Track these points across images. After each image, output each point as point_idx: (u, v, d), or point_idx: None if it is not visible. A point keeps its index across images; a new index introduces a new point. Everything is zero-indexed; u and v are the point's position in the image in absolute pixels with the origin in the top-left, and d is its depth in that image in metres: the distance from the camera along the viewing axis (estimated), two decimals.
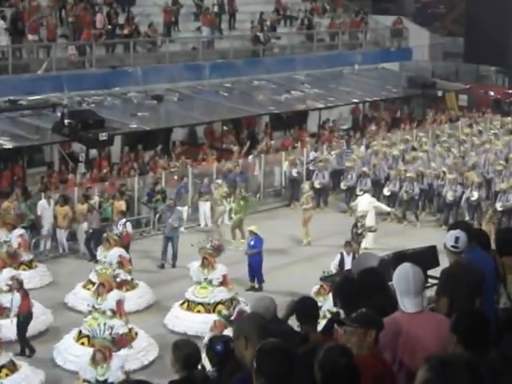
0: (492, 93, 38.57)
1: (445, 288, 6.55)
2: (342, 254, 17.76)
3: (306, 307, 6.57)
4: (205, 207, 24.04)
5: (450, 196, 24.32)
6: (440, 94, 36.03)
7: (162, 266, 20.66)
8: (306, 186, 24.14)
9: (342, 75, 36.01)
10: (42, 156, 26.91)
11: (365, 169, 25.70)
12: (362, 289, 6.26)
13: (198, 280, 17.12)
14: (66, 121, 23.32)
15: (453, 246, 6.84)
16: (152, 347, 15.70)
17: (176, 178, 24.67)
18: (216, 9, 33.18)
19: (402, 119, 35.00)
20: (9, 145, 23.07)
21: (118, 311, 15.02)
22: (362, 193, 24.18)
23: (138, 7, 31.46)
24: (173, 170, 25.26)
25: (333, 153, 27.94)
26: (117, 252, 17.25)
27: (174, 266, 20.54)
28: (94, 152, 26.51)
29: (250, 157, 26.96)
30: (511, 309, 6.58)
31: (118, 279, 16.08)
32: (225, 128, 30.28)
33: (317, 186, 25.64)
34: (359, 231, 20.66)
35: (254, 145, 29.04)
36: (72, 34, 28.82)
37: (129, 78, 28.59)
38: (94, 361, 12.80)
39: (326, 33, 37.72)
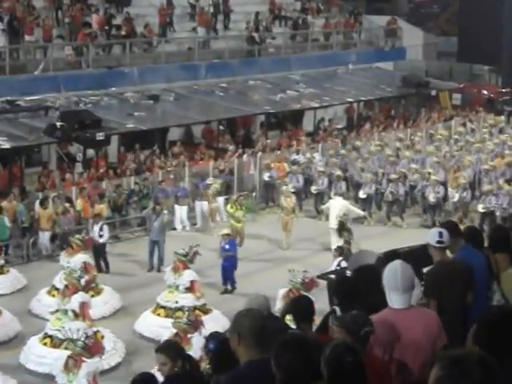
0: (485, 92, 38.73)
1: (432, 290, 6.58)
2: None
3: (301, 305, 6.61)
4: (181, 211, 23.67)
5: (431, 198, 24.02)
6: (434, 93, 36.20)
7: (151, 270, 20.34)
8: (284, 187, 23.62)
9: (337, 75, 36.14)
10: (39, 156, 27.02)
11: (339, 172, 25.14)
12: (359, 286, 6.28)
13: (169, 283, 16.87)
14: (58, 123, 23.34)
15: (438, 242, 6.88)
16: (117, 352, 15.37)
17: (172, 177, 24.83)
18: (211, 9, 33.30)
19: (396, 118, 35.15)
20: (6, 145, 23.06)
21: (82, 313, 14.73)
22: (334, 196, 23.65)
23: (134, 8, 31.57)
24: (169, 169, 25.38)
25: (316, 155, 27.65)
26: (81, 258, 16.95)
27: (159, 270, 19.99)
28: (91, 152, 26.63)
29: (245, 156, 27.09)
30: (504, 306, 6.56)
31: (82, 281, 15.85)
32: (221, 128, 30.42)
33: (290, 189, 24.75)
34: (346, 227, 20.57)
35: (250, 144, 29.19)
36: (68, 35, 28.93)
37: (125, 78, 28.68)
38: (66, 367, 12.63)
39: (320, 33, 37.86)
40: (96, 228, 20.06)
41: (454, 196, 23.98)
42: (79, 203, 22.29)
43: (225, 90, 31.08)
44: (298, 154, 27.49)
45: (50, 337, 15.04)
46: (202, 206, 23.99)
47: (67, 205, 21.67)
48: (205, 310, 16.43)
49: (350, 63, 36.50)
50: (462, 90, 37.99)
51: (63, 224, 21.21)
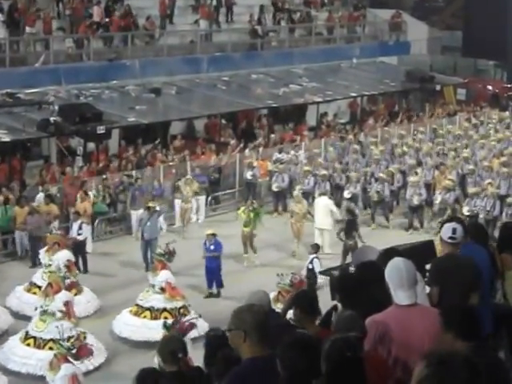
0: (490, 87, 38.50)
1: (434, 278, 6.54)
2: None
3: (305, 300, 6.57)
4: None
5: (416, 200, 23.19)
6: (438, 87, 36.00)
7: (147, 270, 19.62)
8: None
9: (340, 69, 35.92)
10: (39, 149, 26.79)
11: (324, 172, 24.40)
12: (361, 282, 6.22)
13: (151, 283, 16.55)
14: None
15: (450, 238, 6.82)
16: (99, 352, 15.12)
17: (174, 171, 24.60)
18: (214, 2, 33.02)
19: (400, 113, 34.89)
20: (6, 138, 22.91)
21: (67, 312, 14.49)
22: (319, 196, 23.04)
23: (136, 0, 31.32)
24: (171, 163, 25.16)
25: (300, 152, 27.00)
26: (65, 256, 16.57)
27: (147, 269, 19.47)
28: (91, 145, 26.42)
29: (247, 150, 26.82)
30: (504, 305, 6.76)
31: (67, 281, 15.60)
32: (223, 121, 30.19)
33: (274, 189, 24.52)
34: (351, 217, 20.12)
35: (252, 138, 28.96)
36: (69, 27, 28.68)
37: (126, 71, 28.43)
38: (51, 365, 12.47)
39: (324, 26, 37.60)
40: (75, 226, 19.58)
41: (437, 198, 23.16)
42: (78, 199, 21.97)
43: (227, 83, 30.85)
44: (280, 152, 26.81)
45: (34, 338, 14.65)
46: (197, 201, 23.73)
47: (42, 202, 20.70)
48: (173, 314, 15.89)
49: (353, 57, 36.27)
50: (466, 85, 37.73)
51: (30, 224, 20.09)
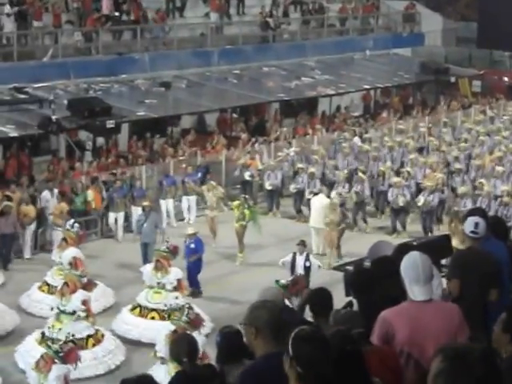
0: (506, 79, 38.01)
1: (454, 271, 6.54)
2: (294, 253, 17.04)
3: (320, 298, 6.58)
4: (137, 212, 21.19)
5: (401, 202, 21.87)
6: (453, 79, 35.61)
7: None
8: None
9: (353, 61, 35.55)
10: (48, 144, 26.51)
11: (313, 169, 23.46)
12: (376, 277, 6.20)
13: (151, 284, 16.06)
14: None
15: (472, 232, 6.79)
16: (119, 350, 14.92)
17: (184, 166, 24.23)
18: None
19: (414, 106, 34.46)
20: (14, 133, 22.71)
21: (86, 311, 14.30)
22: (311, 195, 22.23)
23: None
24: (181, 158, 24.81)
25: (291, 149, 25.88)
26: (71, 252, 16.19)
27: None
28: (101, 140, 26.12)
29: (256, 145, 26.38)
30: None
31: (83, 279, 15.32)
32: (234, 115, 29.83)
33: (268, 187, 23.55)
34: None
35: (263, 132, 28.59)
36: (78, 20, 28.37)
37: (136, 65, 28.12)
38: (37, 367, 12.14)
39: (336, 18, 37.17)
40: (67, 225, 18.36)
41: (420, 199, 21.93)
42: (90, 193, 21.68)
43: (238, 76, 30.53)
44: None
45: (51, 339, 14.17)
46: (167, 204, 22.64)
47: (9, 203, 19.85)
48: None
49: (366, 49, 35.85)
50: (482, 76, 37.31)
51: (3, 226, 19.33)
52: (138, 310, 16.05)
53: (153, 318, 15.78)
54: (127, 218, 22.00)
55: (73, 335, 13.25)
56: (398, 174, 23.90)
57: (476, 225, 6.79)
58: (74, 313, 14.25)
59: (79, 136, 26.26)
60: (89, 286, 16.10)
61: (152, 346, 13.81)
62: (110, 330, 15.58)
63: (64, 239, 17.05)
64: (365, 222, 22.76)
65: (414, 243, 12.32)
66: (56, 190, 21.26)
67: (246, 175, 24.33)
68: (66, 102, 24.11)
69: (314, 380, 4.10)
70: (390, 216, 22.60)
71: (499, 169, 23.46)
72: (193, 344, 7.55)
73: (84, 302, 14.34)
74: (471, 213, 7.26)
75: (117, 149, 26.29)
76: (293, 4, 35.64)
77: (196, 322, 12.96)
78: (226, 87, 29.38)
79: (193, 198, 23.18)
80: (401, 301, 5.46)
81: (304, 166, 24.13)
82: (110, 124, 23.74)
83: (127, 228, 21.92)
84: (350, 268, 14.31)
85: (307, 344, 4.21)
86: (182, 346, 7.29)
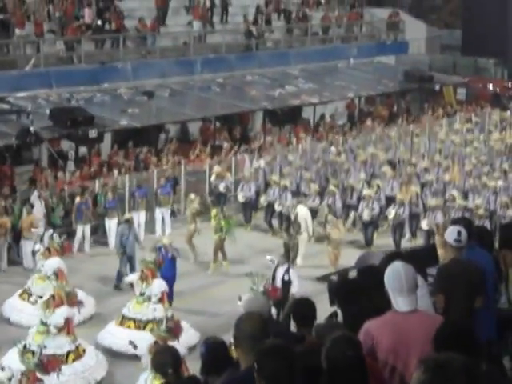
0: (491, 86, 38.08)
1: (440, 285, 6.48)
2: (278, 262, 16.48)
3: (302, 308, 6.55)
4: (110, 224, 21.39)
5: (366, 216, 21.43)
6: (437, 87, 35.65)
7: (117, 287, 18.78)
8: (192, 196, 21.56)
9: (337, 69, 35.53)
10: (30, 154, 26.27)
11: (285, 182, 22.81)
12: (362, 287, 6.18)
13: (136, 293, 15.94)
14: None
15: (455, 240, 6.77)
16: (100, 366, 14.66)
17: (167, 176, 24.01)
18: (208, 2, 32.51)
19: (399, 114, 34.43)
20: None
21: (66, 328, 14.00)
22: (281, 208, 21.84)
23: (128, 1, 30.82)
24: (164, 167, 24.62)
25: (261, 161, 25.25)
26: (55, 262, 16.06)
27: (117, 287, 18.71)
28: (83, 150, 25.91)
29: (238, 154, 26.16)
30: (508, 310, 6.86)
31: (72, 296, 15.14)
32: (217, 124, 29.69)
33: (241, 199, 22.86)
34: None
35: (247, 141, 28.45)
36: (60, 29, 28.16)
37: (118, 74, 27.99)
38: None
39: (320, 26, 37.13)
40: (47, 236, 18.15)
41: (390, 212, 21.15)
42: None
43: (221, 85, 30.44)
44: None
45: (32, 352, 13.81)
46: (138, 217, 21.91)
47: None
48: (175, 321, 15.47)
49: (350, 57, 35.86)
50: (466, 84, 37.41)
51: None
52: (120, 319, 15.90)
53: (128, 326, 15.63)
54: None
55: (45, 347, 12.92)
56: (369, 186, 23.38)
57: (459, 233, 6.77)
58: (55, 328, 14.00)
59: (61, 146, 26.02)
60: (72, 301, 15.72)
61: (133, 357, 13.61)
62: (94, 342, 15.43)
63: (48, 249, 16.84)
64: None
65: (402, 252, 12.30)
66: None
67: (221, 187, 23.79)
68: (48, 111, 24.01)
69: None
70: (362, 230, 22.04)
71: (470, 181, 23.15)
72: (176, 355, 7.50)
73: (67, 320, 14.10)
74: (454, 222, 7.37)
75: (99, 158, 26.08)
76: (276, 12, 35.58)
77: (176, 331, 12.82)
78: (209, 96, 29.27)
79: (166, 210, 22.72)
80: (386, 311, 5.38)
81: (276, 177, 23.55)
82: (93, 133, 23.60)
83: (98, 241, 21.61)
84: (335, 278, 14.20)
85: (270, 358, 4.20)
86: (166, 358, 7.21)
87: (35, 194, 21.23)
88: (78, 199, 21.34)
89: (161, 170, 24.20)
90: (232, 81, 30.95)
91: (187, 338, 15.09)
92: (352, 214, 22.70)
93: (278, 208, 22.24)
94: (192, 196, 21.80)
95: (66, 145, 25.94)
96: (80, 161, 25.65)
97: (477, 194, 22.58)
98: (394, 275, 5.31)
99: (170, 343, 12.42)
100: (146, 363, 12.40)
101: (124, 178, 23.26)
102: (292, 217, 20.42)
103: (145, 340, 13.60)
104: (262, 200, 22.94)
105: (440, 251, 12.55)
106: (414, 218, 21.84)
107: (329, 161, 25.66)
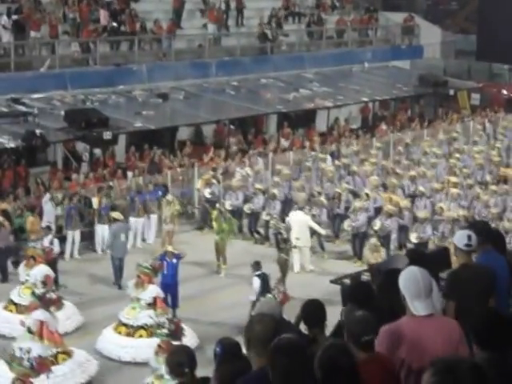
0: (505, 91, 37.92)
1: (451, 291, 6.48)
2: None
3: (312, 310, 6.51)
4: (102, 230, 20.85)
5: (345, 226, 21.06)
6: (452, 92, 35.52)
7: (119, 287, 18.65)
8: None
9: (352, 73, 35.49)
10: (45, 155, 26.37)
11: (274, 190, 22.35)
12: (383, 289, 6.22)
13: (132, 298, 15.78)
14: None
15: (466, 245, 6.69)
16: (91, 363, 14.51)
17: (181, 178, 24.03)
18: (223, 5, 32.56)
19: (413, 118, 34.34)
20: (11, 144, 22.56)
21: (39, 333, 13.64)
22: (268, 217, 21.35)
23: (143, 3, 30.90)
24: (179, 169, 24.64)
25: (246, 169, 24.67)
26: (42, 270, 15.78)
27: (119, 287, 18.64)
28: (97, 151, 25.98)
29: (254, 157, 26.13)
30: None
31: (46, 296, 14.72)
32: (231, 127, 29.71)
33: (228, 207, 21.87)
34: (283, 236, 18.90)
35: (262, 144, 28.43)
36: (75, 31, 28.27)
37: (133, 76, 28.10)
38: None
39: (334, 30, 37.12)
40: (46, 241, 18.27)
41: (376, 224, 20.30)
42: (95, 202, 21.33)
43: (236, 88, 30.44)
44: (226, 170, 24.87)
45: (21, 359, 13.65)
46: (136, 223, 21.66)
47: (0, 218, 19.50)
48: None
49: (365, 61, 35.79)
50: (480, 89, 37.22)
51: None
52: (115, 324, 15.76)
53: (120, 332, 15.53)
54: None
55: (28, 351, 12.88)
56: (358, 196, 22.81)
57: (469, 237, 6.70)
58: (28, 331, 13.73)
59: (76, 147, 26.10)
60: (56, 304, 15.35)
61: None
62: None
63: (32, 257, 16.58)
64: (321, 248, 21.37)
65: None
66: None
67: (206, 193, 23.07)
68: (62, 112, 24.10)
69: None
70: (350, 241, 21.54)
71: (454, 191, 22.45)
72: (191, 354, 7.45)
73: (40, 323, 13.73)
74: (470, 226, 7.39)
75: (114, 160, 26.13)
76: (291, 16, 35.56)
77: (177, 331, 12.82)
78: (223, 99, 29.30)
79: (154, 217, 22.23)
80: (400, 315, 5.38)
81: (262, 186, 23.07)
82: (107, 135, 23.66)
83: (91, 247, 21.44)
84: (347, 281, 14.24)
85: (284, 355, 4.23)
86: (182, 358, 7.01)
87: (47, 196, 21.25)
88: (95, 200, 21.29)
89: (175, 172, 24.25)
90: (246, 84, 30.95)
91: (187, 342, 14.92)
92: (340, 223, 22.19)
93: (265, 217, 21.79)
94: (170, 197, 21.70)
95: (80, 146, 26.03)
96: (94, 163, 25.73)
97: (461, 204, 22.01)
98: (411, 279, 5.31)
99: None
100: (156, 366, 12.48)
101: (138, 180, 23.30)
102: (281, 227, 19.68)
103: (133, 347, 13.53)
104: (246, 208, 22.45)
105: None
106: (402, 230, 21.07)
107: (318, 169, 25.34)
